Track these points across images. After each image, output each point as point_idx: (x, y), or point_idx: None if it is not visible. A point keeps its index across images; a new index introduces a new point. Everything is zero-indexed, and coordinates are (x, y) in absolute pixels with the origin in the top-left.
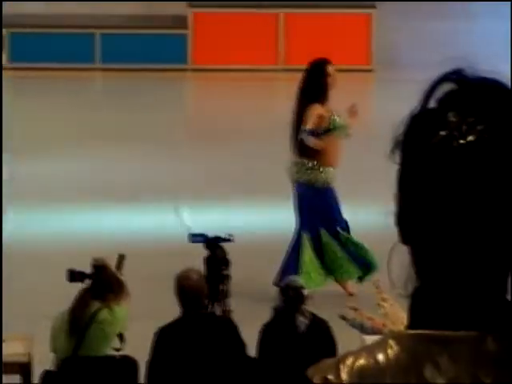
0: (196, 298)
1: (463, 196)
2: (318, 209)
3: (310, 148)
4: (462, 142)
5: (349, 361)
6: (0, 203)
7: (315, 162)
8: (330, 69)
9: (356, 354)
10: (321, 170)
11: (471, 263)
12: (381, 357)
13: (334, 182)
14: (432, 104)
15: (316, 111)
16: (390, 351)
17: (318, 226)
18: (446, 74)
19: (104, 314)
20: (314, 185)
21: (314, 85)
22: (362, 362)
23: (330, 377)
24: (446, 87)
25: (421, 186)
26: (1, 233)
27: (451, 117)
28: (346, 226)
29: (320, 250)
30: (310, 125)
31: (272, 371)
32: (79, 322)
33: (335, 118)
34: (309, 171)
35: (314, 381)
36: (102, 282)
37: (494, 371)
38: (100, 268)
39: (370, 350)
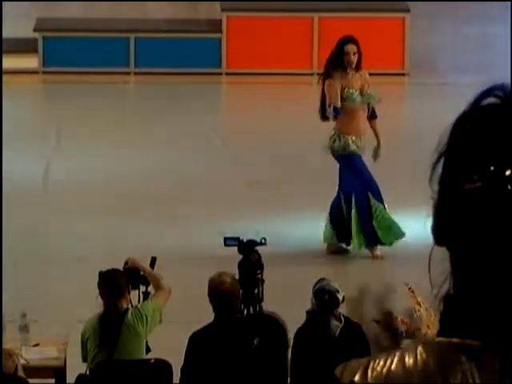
0: (229, 303)
1: (500, 220)
2: (346, 175)
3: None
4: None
5: (377, 364)
6: (0, 203)
7: (337, 131)
8: (349, 47)
9: (385, 358)
10: (340, 138)
11: (502, 275)
12: (409, 362)
13: (360, 149)
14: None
15: (329, 86)
16: (418, 357)
17: (352, 190)
18: (490, 89)
19: (131, 313)
20: (338, 152)
21: (333, 60)
22: (389, 365)
23: (357, 378)
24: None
25: (459, 208)
26: (1, 233)
27: (492, 162)
28: (377, 193)
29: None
30: (329, 99)
31: (305, 375)
32: (111, 326)
33: (349, 91)
34: (332, 140)
35: (342, 381)
36: (133, 284)
37: None
38: (130, 271)
39: (399, 355)
